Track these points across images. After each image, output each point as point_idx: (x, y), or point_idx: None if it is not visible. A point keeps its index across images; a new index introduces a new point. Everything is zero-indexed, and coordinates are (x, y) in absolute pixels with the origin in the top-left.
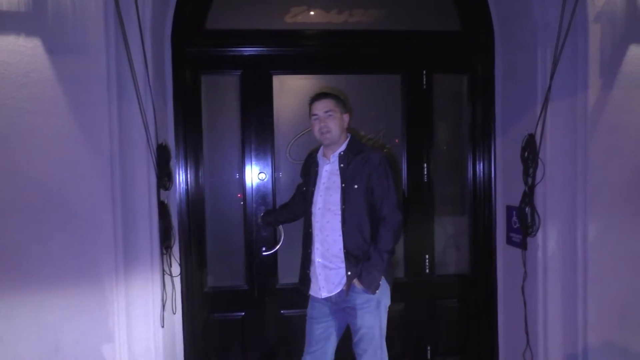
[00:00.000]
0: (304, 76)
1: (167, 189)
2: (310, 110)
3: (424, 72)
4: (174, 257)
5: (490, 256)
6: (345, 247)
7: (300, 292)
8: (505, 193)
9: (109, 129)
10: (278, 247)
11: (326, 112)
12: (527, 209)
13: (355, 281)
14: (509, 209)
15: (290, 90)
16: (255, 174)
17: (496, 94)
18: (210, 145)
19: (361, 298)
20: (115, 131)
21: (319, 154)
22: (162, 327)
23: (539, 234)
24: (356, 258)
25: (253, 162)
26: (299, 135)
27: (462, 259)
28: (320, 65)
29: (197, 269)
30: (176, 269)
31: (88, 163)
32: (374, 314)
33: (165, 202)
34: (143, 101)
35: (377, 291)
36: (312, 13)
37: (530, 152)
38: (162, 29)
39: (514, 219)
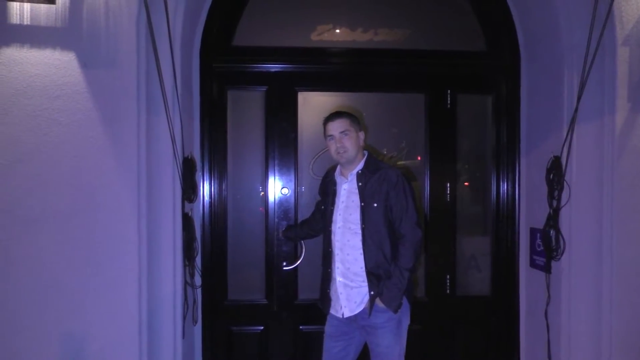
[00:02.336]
0: (328, 93)
1: (191, 201)
2: (325, 130)
3: (449, 91)
4: (197, 269)
5: (512, 278)
6: (366, 266)
7: (319, 308)
8: (529, 215)
9: (137, 142)
10: (299, 262)
11: (342, 132)
12: (551, 231)
13: (377, 300)
14: (533, 231)
15: (314, 107)
16: (277, 189)
17: (521, 114)
18: (234, 159)
19: (383, 317)
20: (143, 143)
21: (337, 173)
22: (183, 337)
23: (564, 258)
24: (378, 277)
25: (276, 177)
26: (322, 152)
27: (484, 280)
28: (345, 83)
29: (218, 282)
30: (198, 281)
31: (116, 174)
32: (394, 333)
33: (189, 215)
34: (171, 115)
35: (398, 310)
36: (337, 31)
37: (555, 174)
38: (191, 45)
39: (538, 241)
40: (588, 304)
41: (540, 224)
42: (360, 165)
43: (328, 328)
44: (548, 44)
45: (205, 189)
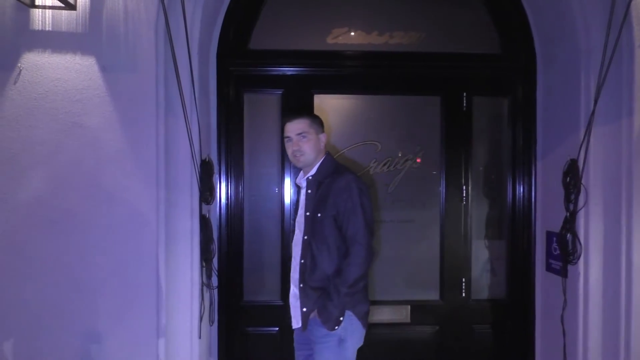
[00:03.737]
0: (344, 95)
1: (208, 203)
2: (283, 131)
3: (464, 94)
4: (213, 270)
5: (528, 282)
6: (302, 280)
7: None
8: (545, 218)
9: (156, 144)
10: None
11: (299, 134)
12: (568, 235)
13: (315, 313)
14: (549, 235)
15: (330, 109)
16: (294, 190)
17: (537, 117)
18: (250, 161)
19: (320, 332)
20: (162, 146)
21: (299, 177)
22: (199, 338)
23: (581, 262)
24: (317, 291)
25: (293, 178)
26: (338, 154)
27: (499, 283)
28: (360, 85)
29: (234, 283)
30: (214, 282)
31: (135, 176)
32: (333, 351)
33: (207, 216)
34: (189, 118)
35: (336, 327)
36: (353, 34)
37: (572, 178)
38: (208, 49)
39: (554, 245)
40: (605, 309)
41: (556, 227)
42: (312, 171)
43: (294, 337)
44: (564, 46)
45: (222, 191)
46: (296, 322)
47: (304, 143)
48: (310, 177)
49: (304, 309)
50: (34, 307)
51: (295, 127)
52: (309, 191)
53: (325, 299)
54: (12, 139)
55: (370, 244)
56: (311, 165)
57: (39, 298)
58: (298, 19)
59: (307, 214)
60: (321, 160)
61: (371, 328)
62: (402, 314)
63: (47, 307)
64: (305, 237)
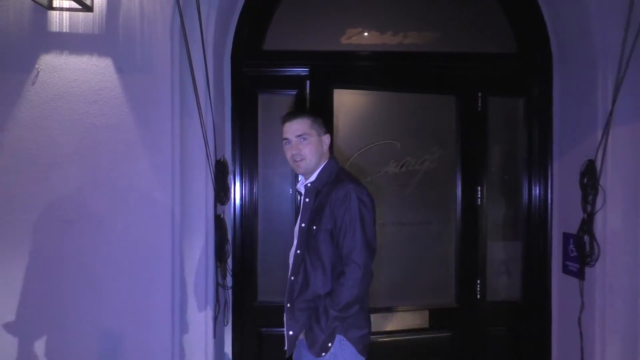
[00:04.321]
0: (361, 94)
1: (223, 203)
2: (282, 131)
3: (479, 94)
4: (228, 270)
5: (544, 284)
6: (289, 300)
7: None
8: (562, 219)
9: (171, 145)
10: None
11: (299, 135)
12: (585, 237)
13: (303, 335)
14: (566, 237)
15: (348, 108)
16: None
17: (554, 117)
18: (265, 161)
19: (308, 357)
20: (177, 147)
21: (299, 183)
22: (214, 337)
23: (598, 264)
24: (306, 312)
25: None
26: (353, 157)
27: (515, 285)
28: (376, 83)
29: (248, 283)
30: (229, 282)
31: (151, 176)
32: None
33: (221, 216)
34: (204, 118)
35: (324, 354)
36: (366, 35)
37: (589, 179)
38: (222, 50)
39: (571, 247)
40: (623, 311)
41: (573, 229)
42: (312, 177)
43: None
44: (581, 45)
45: (237, 191)
46: (287, 342)
47: (305, 146)
48: (309, 184)
49: (290, 332)
50: (52, 305)
51: (294, 128)
52: (307, 200)
53: (312, 320)
54: (30, 139)
55: (369, 265)
56: (312, 171)
57: (57, 297)
58: (312, 20)
59: (303, 225)
60: (322, 166)
61: (388, 335)
62: (421, 319)
63: (65, 306)
64: (299, 252)
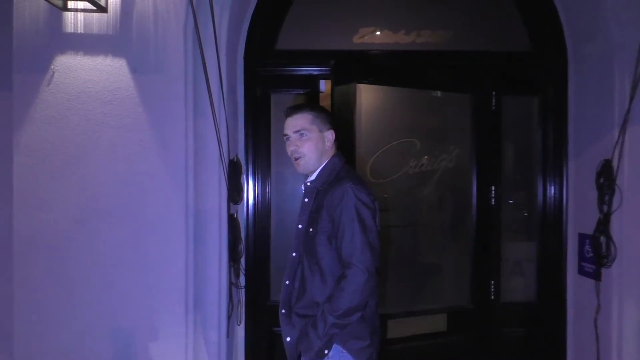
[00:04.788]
0: (379, 93)
1: (236, 203)
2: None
3: (493, 93)
4: (241, 269)
5: (559, 285)
6: (286, 305)
7: None
8: (578, 220)
9: (185, 144)
10: None
11: (297, 131)
12: (601, 238)
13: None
14: (582, 237)
15: (365, 107)
16: None
17: (569, 116)
18: (277, 161)
19: None
20: (191, 146)
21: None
22: (227, 337)
23: (615, 265)
24: (305, 318)
25: None
26: (379, 153)
27: (529, 286)
28: (391, 80)
29: (261, 283)
30: (242, 281)
31: (164, 176)
32: None
33: (235, 216)
34: (217, 118)
35: None
36: (379, 33)
37: (606, 178)
38: (235, 50)
39: (587, 247)
40: None
41: (589, 229)
42: (313, 175)
43: None
44: (597, 42)
45: (250, 191)
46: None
47: (303, 143)
48: (308, 183)
49: (288, 339)
50: (67, 304)
51: (293, 123)
52: (306, 200)
53: (309, 325)
54: (46, 139)
55: (372, 268)
56: (314, 169)
57: (72, 295)
58: (324, 19)
59: (300, 226)
60: (324, 164)
61: (405, 341)
62: (438, 322)
63: (80, 305)
64: (295, 254)
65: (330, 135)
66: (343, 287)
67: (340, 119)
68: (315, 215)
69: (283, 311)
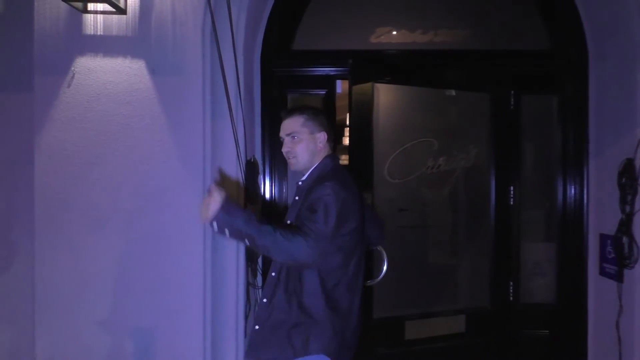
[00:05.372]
0: (397, 92)
1: (254, 203)
2: None
3: (512, 92)
4: (258, 269)
5: (580, 286)
6: (261, 319)
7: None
8: (599, 220)
9: (203, 145)
10: (381, 276)
11: (289, 134)
12: (624, 238)
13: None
14: (603, 238)
15: (383, 106)
16: None
17: (589, 115)
18: None
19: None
20: (208, 147)
21: None
22: (245, 336)
23: (638, 266)
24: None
25: None
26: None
27: (549, 287)
28: (407, 80)
29: None
30: (259, 281)
31: (182, 176)
32: None
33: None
34: (234, 119)
35: (214, 223)
36: (395, 33)
37: (628, 178)
38: (252, 50)
39: (609, 248)
40: None
41: (610, 230)
42: (304, 176)
43: None
44: (619, 40)
45: (267, 191)
46: None
47: (295, 144)
48: (300, 183)
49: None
50: (86, 302)
51: (285, 126)
52: (297, 198)
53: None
54: (66, 140)
55: (315, 255)
56: (307, 169)
57: (91, 293)
58: (341, 19)
59: (288, 222)
60: (316, 164)
61: (424, 343)
62: (457, 324)
63: (100, 302)
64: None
65: (322, 136)
66: (290, 238)
67: (358, 119)
68: (300, 212)
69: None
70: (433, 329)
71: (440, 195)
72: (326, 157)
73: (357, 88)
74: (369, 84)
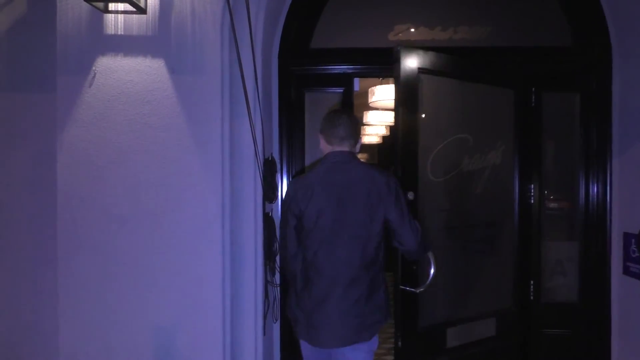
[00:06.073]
0: (438, 83)
1: (271, 201)
2: None
3: (533, 89)
4: (276, 267)
5: (603, 286)
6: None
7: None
8: (623, 219)
9: (221, 144)
10: (429, 281)
11: None
12: None
13: None
14: (627, 237)
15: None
16: None
17: (613, 112)
18: (312, 159)
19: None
20: (227, 145)
21: None
22: (264, 334)
23: None
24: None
25: None
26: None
27: (571, 286)
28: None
29: None
30: (277, 279)
31: (201, 175)
32: None
33: (270, 215)
34: (252, 117)
35: None
36: (415, 31)
37: None
38: (270, 49)
39: (633, 247)
40: None
41: (635, 228)
42: None
43: None
44: None
45: (284, 189)
46: None
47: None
48: None
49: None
50: (107, 300)
51: None
52: None
53: None
54: (88, 140)
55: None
56: None
57: (113, 292)
58: (359, 17)
59: None
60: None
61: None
62: (488, 328)
63: (121, 301)
64: None
65: (320, 139)
66: None
67: (404, 113)
68: None
69: None
70: (469, 334)
71: (475, 195)
72: (326, 156)
73: (404, 78)
74: (415, 74)
